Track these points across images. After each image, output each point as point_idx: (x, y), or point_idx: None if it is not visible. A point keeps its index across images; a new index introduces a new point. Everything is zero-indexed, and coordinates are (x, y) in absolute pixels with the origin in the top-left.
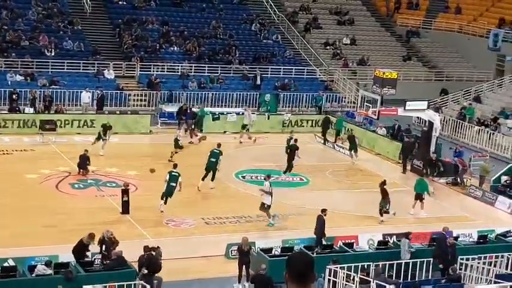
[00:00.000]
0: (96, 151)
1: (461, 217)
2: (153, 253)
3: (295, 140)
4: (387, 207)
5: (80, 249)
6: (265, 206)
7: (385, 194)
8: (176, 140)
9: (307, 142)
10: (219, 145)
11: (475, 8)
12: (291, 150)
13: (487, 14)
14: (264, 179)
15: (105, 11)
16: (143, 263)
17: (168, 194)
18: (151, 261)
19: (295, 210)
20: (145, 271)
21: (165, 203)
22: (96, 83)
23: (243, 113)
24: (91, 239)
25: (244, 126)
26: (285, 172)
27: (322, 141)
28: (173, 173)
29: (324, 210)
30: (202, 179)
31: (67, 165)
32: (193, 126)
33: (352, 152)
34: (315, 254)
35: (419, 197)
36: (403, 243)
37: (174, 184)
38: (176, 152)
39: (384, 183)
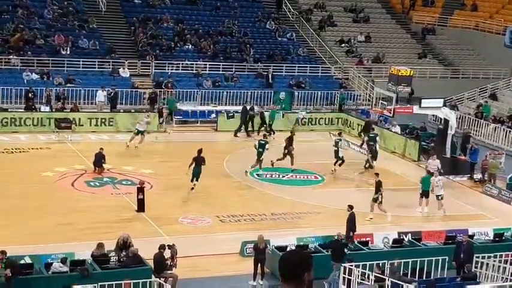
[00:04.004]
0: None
1: (477, 215)
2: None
3: (264, 136)
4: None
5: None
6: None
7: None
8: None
9: (321, 140)
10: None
11: (491, 5)
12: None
13: (504, 11)
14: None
15: (120, 9)
16: (158, 262)
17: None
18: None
19: (310, 208)
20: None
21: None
22: (111, 81)
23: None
24: (100, 248)
25: (139, 132)
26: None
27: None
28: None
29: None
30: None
31: (83, 163)
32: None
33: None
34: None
35: (425, 194)
36: None
37: (261, 150)
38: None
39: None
